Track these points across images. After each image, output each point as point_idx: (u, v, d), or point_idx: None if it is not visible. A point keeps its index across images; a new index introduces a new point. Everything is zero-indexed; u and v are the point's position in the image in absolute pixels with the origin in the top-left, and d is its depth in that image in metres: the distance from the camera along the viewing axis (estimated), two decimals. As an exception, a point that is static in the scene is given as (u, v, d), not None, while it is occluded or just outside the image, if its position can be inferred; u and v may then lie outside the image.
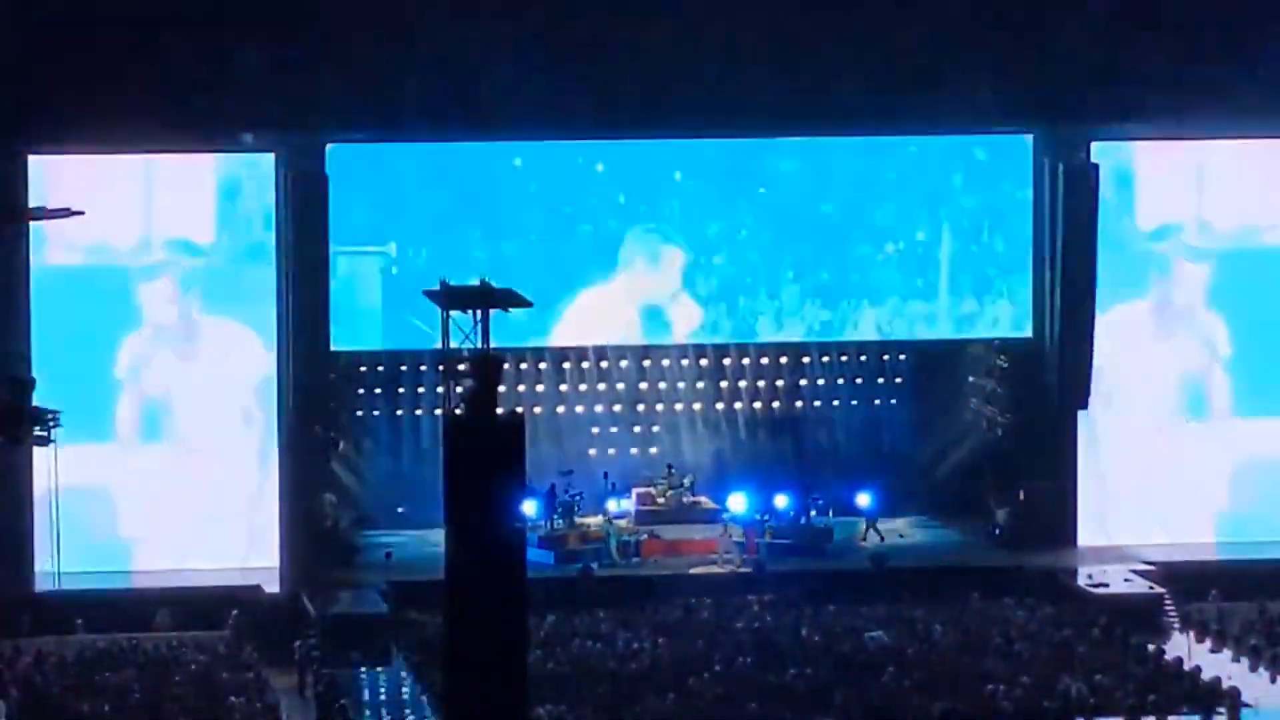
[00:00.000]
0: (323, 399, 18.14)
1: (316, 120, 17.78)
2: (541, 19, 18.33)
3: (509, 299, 10.33)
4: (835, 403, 20.72)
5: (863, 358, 20.60)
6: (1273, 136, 18.44)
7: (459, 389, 9.16)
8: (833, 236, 19.42)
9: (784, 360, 20.19)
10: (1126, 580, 18.02)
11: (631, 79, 18.59)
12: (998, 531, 19.10)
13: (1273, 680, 15.34)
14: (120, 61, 17.68)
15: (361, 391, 19.37)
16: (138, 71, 17.54)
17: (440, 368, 10.42)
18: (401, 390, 19.48)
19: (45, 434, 16.46)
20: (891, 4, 19.13)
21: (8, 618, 17.30)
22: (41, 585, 17.77)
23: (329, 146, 17.67)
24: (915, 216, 19.37)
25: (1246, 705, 14.20)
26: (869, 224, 19.44)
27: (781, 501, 18.64)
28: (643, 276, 19.49)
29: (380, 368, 19.56)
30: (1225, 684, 14.86)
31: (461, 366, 9.31)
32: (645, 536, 18.52)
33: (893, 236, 19.41)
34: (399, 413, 19.51)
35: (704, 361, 19.93)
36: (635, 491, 19.14)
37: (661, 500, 19.07)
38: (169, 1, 18.18)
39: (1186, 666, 15.45)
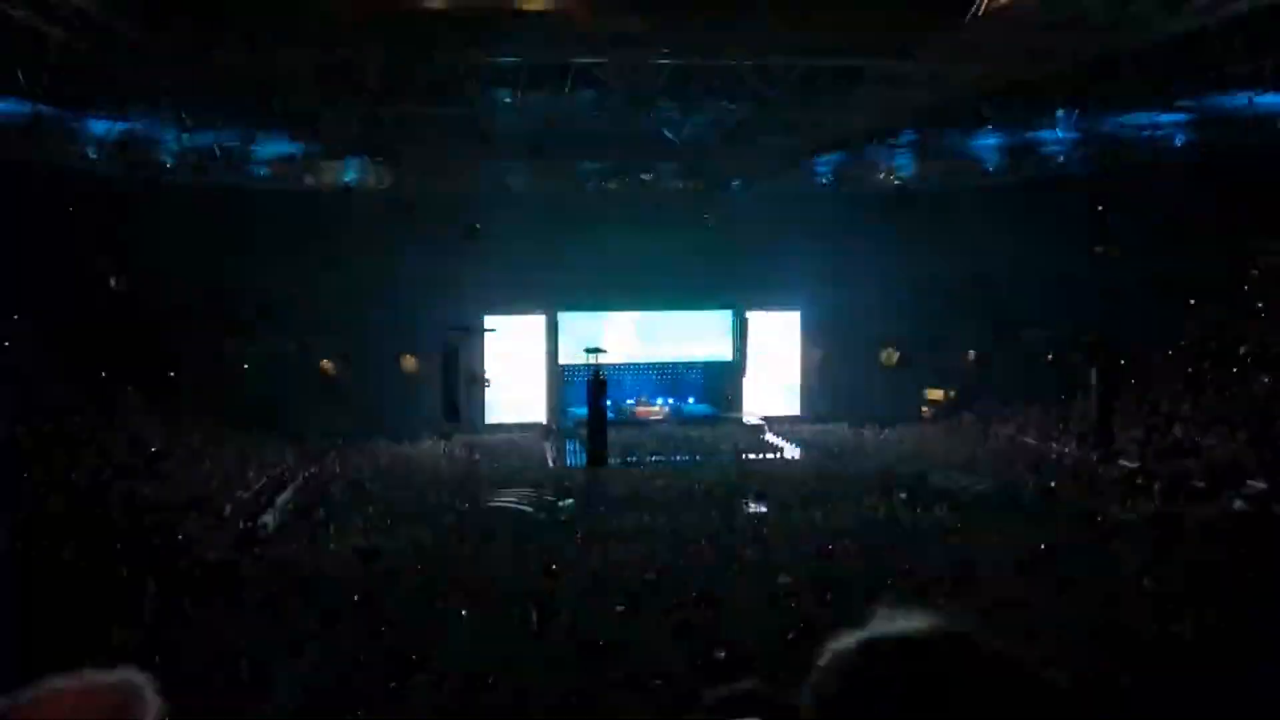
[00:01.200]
0: (558, 378, 58.15)
1: (553, 304, 57.60)
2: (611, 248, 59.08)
3: (600, 350, 49.75)
4: (683, 377, 58.45)
5: (692, 366, 59.05)
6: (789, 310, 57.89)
7: (592, 376, 36.37)
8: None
9: (668, 369, 57.74)
10: (759, 420, 51.06)
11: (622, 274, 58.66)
12: (729, 407, 56.99)
13: (794, 448, 52.81)
14: (513, 279, 54.55)
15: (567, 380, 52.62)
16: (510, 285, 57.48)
17: (590, 375, 37.90)
18: (576, 380, 52.20)
19: (488, 384, 57.76)
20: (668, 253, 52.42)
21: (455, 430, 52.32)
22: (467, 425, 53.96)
23: (559, 312, 55.64)
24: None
25: (779, 452, 52.81)
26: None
27: (669, 402, 57.23)
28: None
29: (571, 368, 55.18)
30: (782, 446, 48.16)
31: (593, 377, 38.04)
32: (637, 409, 52.84)
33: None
34: (573, 379, 52.73)
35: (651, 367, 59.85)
36: (637, 399, 55.18)
37: (642, 402, 58.38)
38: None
39: (770, 440, 51.60)
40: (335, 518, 33.03)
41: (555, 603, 23.94)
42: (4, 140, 38.96)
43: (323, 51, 41.76)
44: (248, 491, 33.40)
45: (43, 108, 36.74)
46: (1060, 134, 51.44)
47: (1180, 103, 42.58)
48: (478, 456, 43.70)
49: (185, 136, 43.86)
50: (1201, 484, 36.14)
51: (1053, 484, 37.52)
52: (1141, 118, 45.72)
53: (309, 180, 56.98)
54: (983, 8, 58.70)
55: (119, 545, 25.71)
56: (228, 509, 30.91)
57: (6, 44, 30.80)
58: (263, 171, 54.02)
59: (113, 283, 49.28)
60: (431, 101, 48.72)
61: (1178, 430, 40.44)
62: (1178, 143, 47.97)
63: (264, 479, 35.46)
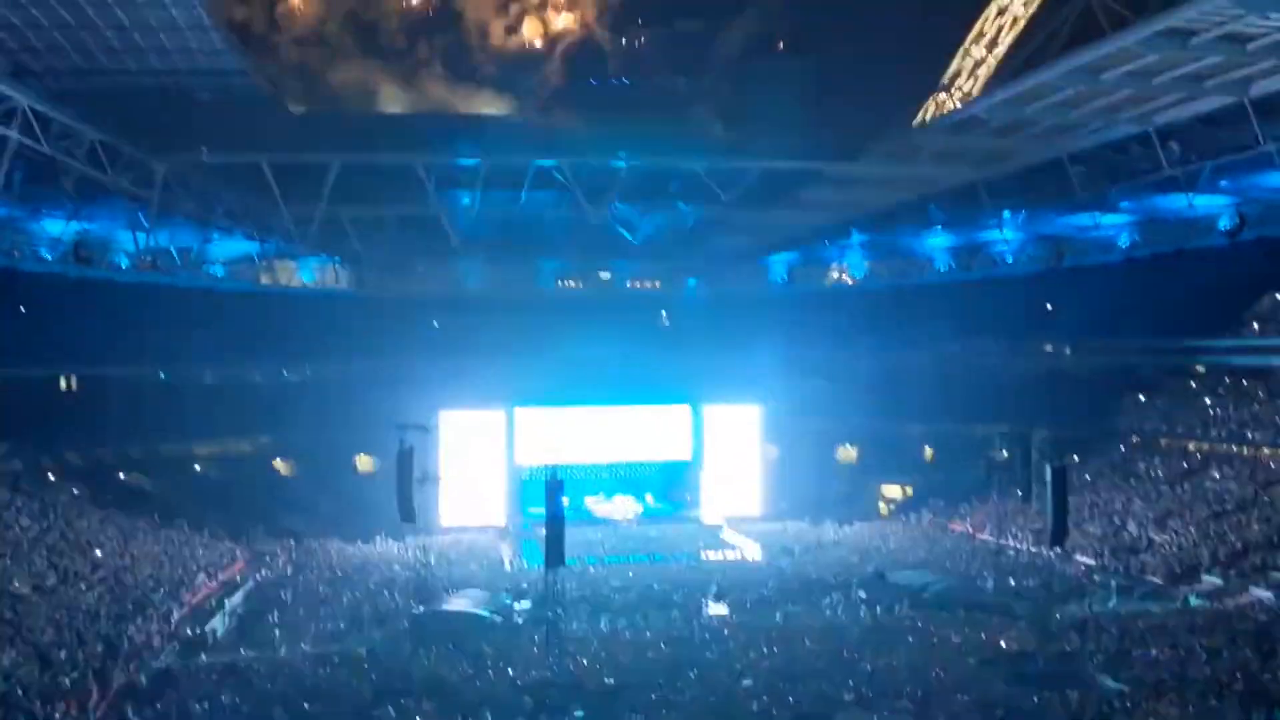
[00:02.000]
0: (516, 481, 56.89)
1: (510, 401, 57.53)
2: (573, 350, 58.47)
3: (560, 472, 49.67)
4: (642, 475, 57.65)
5: (651, 463, 58.16)
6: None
7: (549, 475, 35.41)
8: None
9: (627, 467, 58.23)
10: (718, 518, 53.43)
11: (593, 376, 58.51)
12: (688, 506, 57.53)
13: (759, 548, 49.41)
14: (470, 375, 57.35)
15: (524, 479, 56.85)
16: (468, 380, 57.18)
17: (548, 474, 36.36)
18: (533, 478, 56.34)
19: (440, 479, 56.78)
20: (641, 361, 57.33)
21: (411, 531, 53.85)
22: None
23: (516, 409, 57.02)
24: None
25: (737, 551, 51.24)
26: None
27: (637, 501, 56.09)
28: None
29: (528, 474, 55.15)
30: (744, 548, 48.08)
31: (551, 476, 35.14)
32: (597, 508, 54.66)
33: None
34: (531, 478, 59.71)
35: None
36: (596, 497, 57.13)
37: (600, 501, 57.73)
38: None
39: (729, 538, 50.20)
40: (287, 622, 32.21)
41: (512, 710, 23.43)
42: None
43: (283, 153, 42.23)
44: (196, 595, 32.54)
45: (-2, 208, 36.58)
46: (1007, 234, 52.67)
47: (1122, 205, 43.87)
48: (432, 559, 42.68)
49: (141, 236, 43.74)
50: (1157, 580, 36.33)
51: (1011, 581, 37.53)
52: (1084, 219, 46.98)
53: (265, 280, 56.91)
54: (930, 114, 60.05)
55: (62, 653, 24.92)
56: (175, 614, 30.09)
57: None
58: (219, 271, 53.91)
59: (63, 383, 48.55)
60: (390, 202, 49.24)
61: (1132, 526, 40.74)
62: (1122, 243, 49.27)
63: (213, 582, 34.55)
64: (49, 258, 44.12)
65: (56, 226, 42.47)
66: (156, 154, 37.68)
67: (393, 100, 77.17)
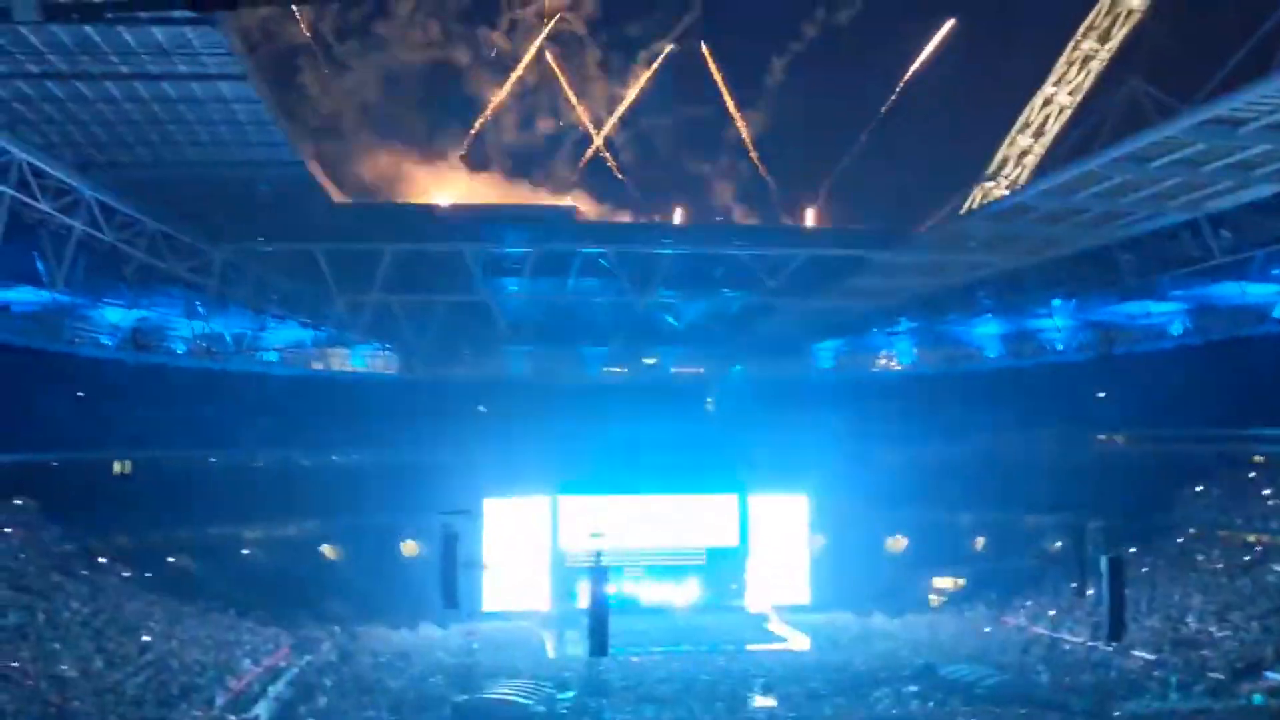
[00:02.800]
0: (560, 565, 56.78)
1: (555, 487, 56.71)
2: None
3: (599, 536, 49.60)
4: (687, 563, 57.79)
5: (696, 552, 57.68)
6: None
7: (594, 562, 39.94)
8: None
9: (672, 555, 57.66)
10: (765, 608, 53.17)
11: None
12: (734, 595, 57.14)
13: (801, 638, 48.37)
14: (516, 461, 56.36)
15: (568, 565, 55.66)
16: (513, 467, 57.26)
17: (592, 561, 37.19)
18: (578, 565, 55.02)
19: (485, 565, 56.47)
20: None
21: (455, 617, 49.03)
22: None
23: (560, 496, 56.58)
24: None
25: (784, 642, 50.06)
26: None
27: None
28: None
29: (579, 561, 53.71)
30: (792, 639, 49.40)
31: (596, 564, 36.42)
32: (641, 595, 55.23)
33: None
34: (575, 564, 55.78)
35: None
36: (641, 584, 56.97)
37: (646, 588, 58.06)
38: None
39: (776, 629, 52.41)
40: (330, 709, 32.00)
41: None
42: (20, 327, 39.68)
43: (337, 243, 43.15)
44: (241, 681, 32.44)
45: (60, 296, 37.46)
46: (1057, 321, 52.31)
47: (1173, 293, 43.48)
48: (476, 645, 42.34)
49: (198, 323, 44.63)
50: (1219, 676, 35.12)
51: (1067, 676, 36.50)
52: (1135, 306, 46.58)
53: (317, 365, 57.69)
54: (977, 201, 60.00)
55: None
56: (219, 699, 29.98)
57: (29, 235, 31.87)
58: (272, 357, 54.77)
59: (116, 467, 49.20)
60: (439, 290, 49.96)
61: (1191, 620, 39.55)
62: (1174, 330, 48.72)
63: (258, 668, 34.45)
64: (109, 343, 45.05)
65: (116, 314, 43.46)
66: (214, 243, 38.65)
67: (418, 193, 78.01)
